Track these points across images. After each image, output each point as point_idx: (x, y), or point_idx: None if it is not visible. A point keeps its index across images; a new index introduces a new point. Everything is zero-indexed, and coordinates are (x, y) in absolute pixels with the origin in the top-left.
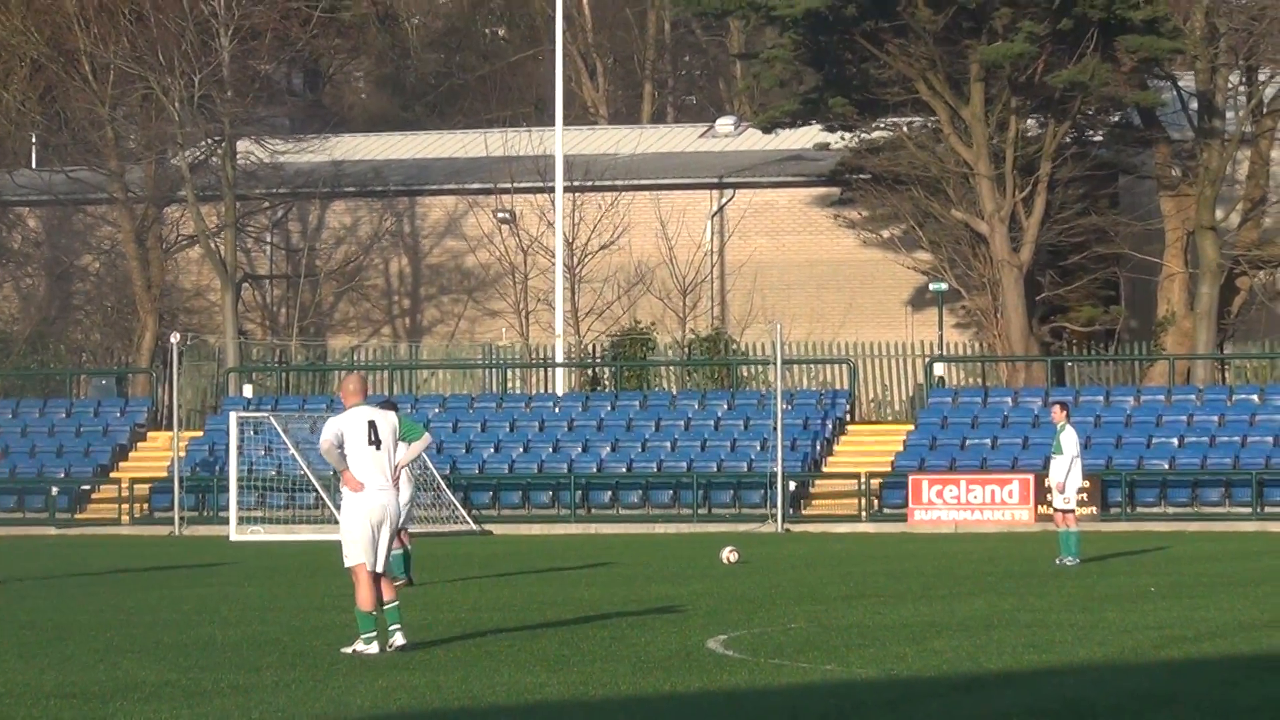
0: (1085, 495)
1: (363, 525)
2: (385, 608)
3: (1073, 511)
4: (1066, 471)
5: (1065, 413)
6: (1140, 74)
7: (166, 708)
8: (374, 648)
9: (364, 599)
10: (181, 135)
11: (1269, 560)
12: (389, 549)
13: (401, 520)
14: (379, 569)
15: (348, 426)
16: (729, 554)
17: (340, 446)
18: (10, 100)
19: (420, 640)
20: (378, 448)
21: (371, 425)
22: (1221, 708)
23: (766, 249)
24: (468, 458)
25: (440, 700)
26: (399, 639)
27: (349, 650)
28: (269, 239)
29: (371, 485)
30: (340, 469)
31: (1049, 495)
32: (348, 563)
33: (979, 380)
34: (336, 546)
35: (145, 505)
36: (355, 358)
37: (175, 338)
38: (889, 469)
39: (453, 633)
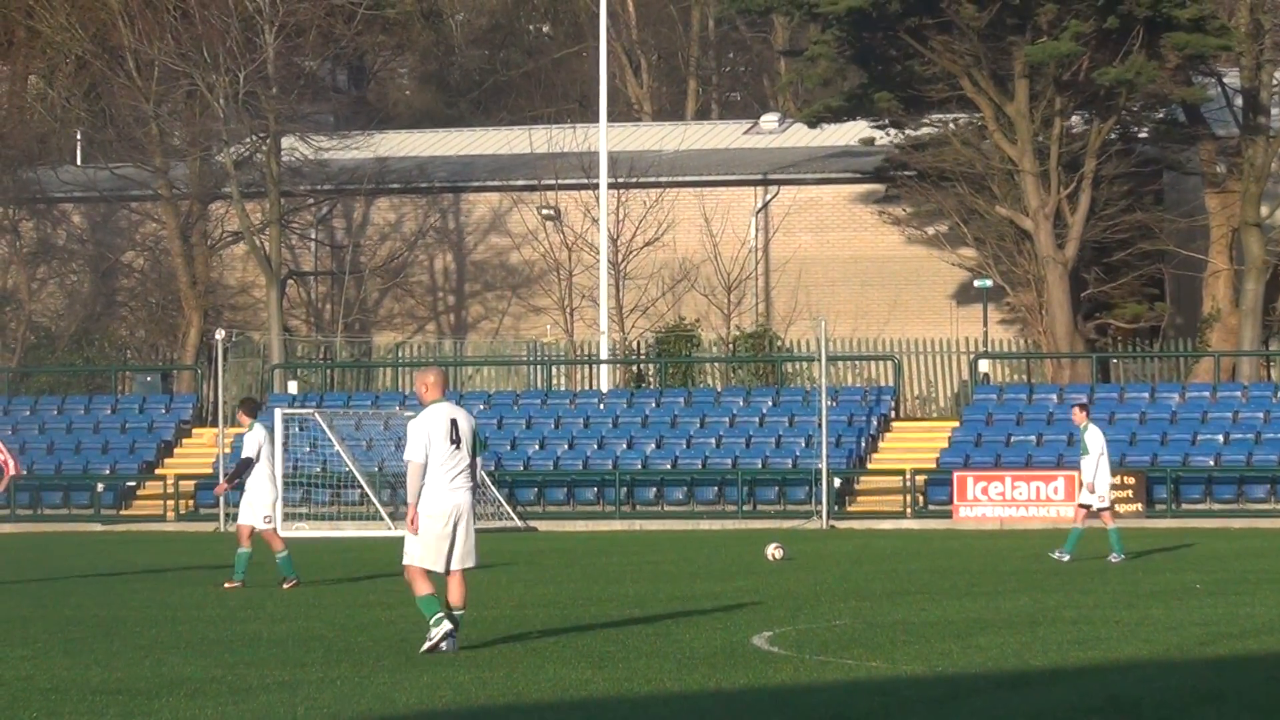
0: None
1: (430, 525)
2: (453, 612)
3: (1109, 508)
4: (1095, 470)
5: (1085, 413)
6: (1185, 70)
7: (211, 704)
8: (446, 625)
9: (421, 588)
10: (226, 132)
11: None
12: (472, 547)
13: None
14: (455, 566)
15: (431, 428)
16: (774, 551)
17: (426, 461)
18: (55, 97)
19: (468, 643)
20: (458, 446)
21: (453, 423)
22: (1268, 704)
23: (811, 245)
24: (512, 454)
25: (485, 697)
26: (423, 648)
27: (427, 645)
28: (314, 235)
29: (449, 484)
30: (412, 501)
31: (1080, 495)
32: (405, 560)
33: (1024, 377)
34: (383, 543)
35: (190, 501)
36: (400, 354)
37: (220, 334)
38: (934, 466)
39: (498, 629)
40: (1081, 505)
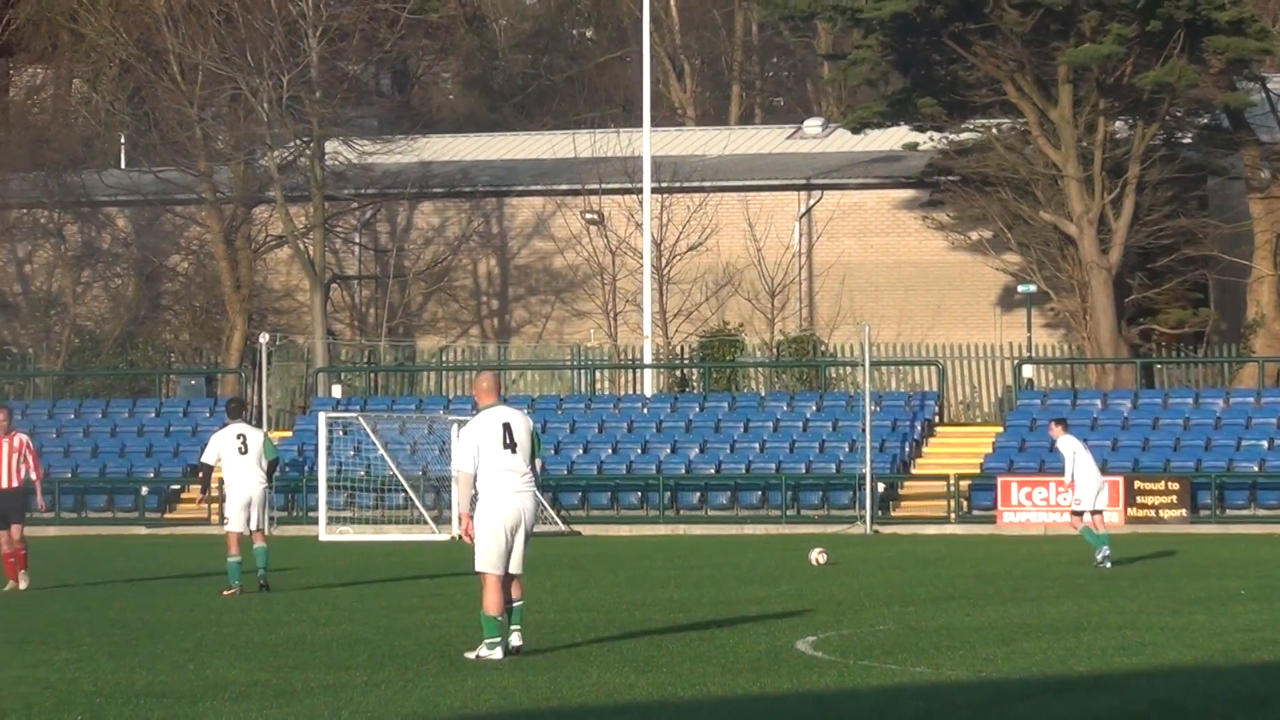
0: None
1: (496, 530)
2: (510, 605)
3: (1099, 513)
4: (1074, 476)
5: (1062, 427)
6: (1229, 75)
7: (256, 707)
8: (498, 653)
9: (491, 604)
10: (270, 136)
11: None
12: (523, 555)
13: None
14: (513, 570)
15: (483, 433)
16: (818, 555)
17: (476, 467)
18: (99, 101)
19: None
20: (513, 450)
21: (506, 427)
22: None
23: (855, 250)
24: (556, 459)
25: (529, 701)
26: (515, 639)
27: (472, 655)
28: (357, 239)
29: (506, 489)
30: (463, 510)
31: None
32: (478, 567)
33: (1068, 382)
34: (425, 547)
35: None
36: (444, 358)
37: (264, 338)
38: (978, 471)
39: (542, 633)
40: (1073, 513)
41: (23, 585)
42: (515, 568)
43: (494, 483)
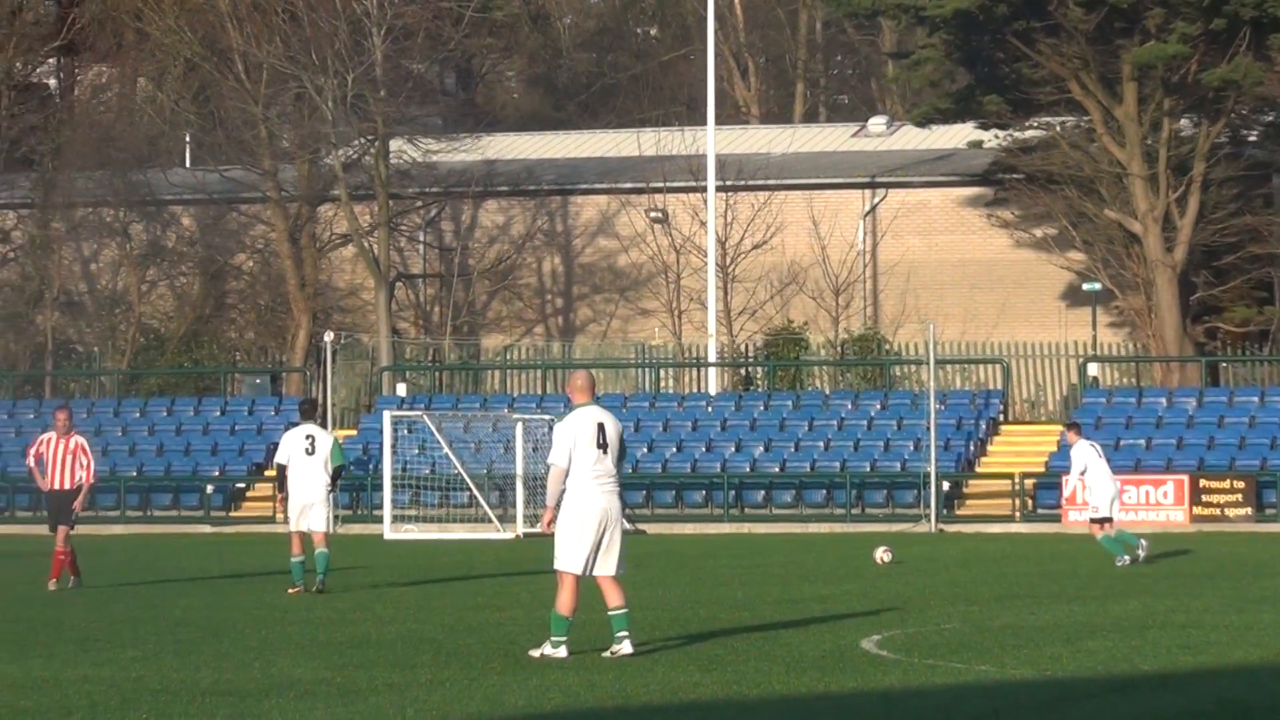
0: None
1: (579, 528)
2: (612, 613)
3: (1110, 520)
4: (1090, 483)
5: (1076, 432)
6: None
7: (321, 705)
8: (562, 652)
9: (564, 603)
10: (335, 134)
11: None
12: (618, 554)
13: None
14: (599, 572)
15: (578, 431)
16: (883, 554)
17: (569, 463)
18: (165, 99)
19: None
20: (605, 451)
21: (600, 427)
22: None
23: (919, 248)
24: None
25: (594, 699)
26: (626, 647)
27: (537, 653)
28: (422, 238)
29: (595, 488)
30: (550, 503)
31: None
32: (556, 565)
33: (1133, 380)
34: (490, 545)
35: None
36: (508, 357)
37: (329, 336)
38: (1043, 469)
39: (606, 633)
40: (1092, 520)
41: (51, 588)
42: (610, 569)
43: (582, 481)
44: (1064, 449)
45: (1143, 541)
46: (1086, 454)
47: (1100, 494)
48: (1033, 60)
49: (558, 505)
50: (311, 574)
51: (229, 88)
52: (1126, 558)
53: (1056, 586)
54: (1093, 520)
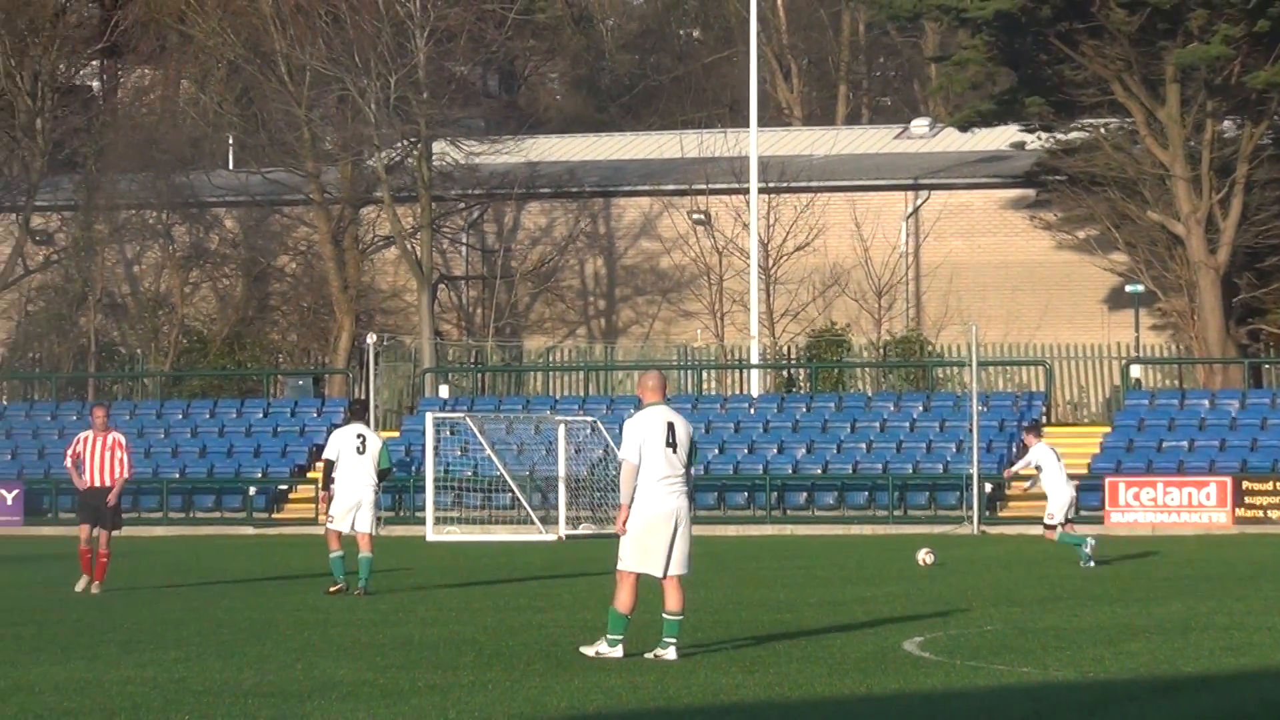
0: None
1: (647, 531)
2: (667, 617)
3: (1052, 528)
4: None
5: (1030, 434)
6: None
7: (363, 707)
8: (618, 651)
9: (623, 601)
10: (377, 137)
11: None
12: (687, 554)
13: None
14: (673, 572)
15: (647, 430)
16: (925, 556)
17: (640, 460)
18: (207, 101)
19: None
20: (674, 450)
21: (670, 427)
22: None
23: (962, 250)
24: None
25: (636, 701)
26: (670, 654)
27: (590, 651)
28: (464, 240)
29: (663, 489)
30: (624, 501)
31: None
32: (620, 565)
33: (1176, 382)
34: (532, 547)
35: None
36: (550, 358)
37: (371, 338)
38: (1085, 471)
39: (649, 634)
40: (1046, 526)
41: (94, 590)
42: (678, 568)
43: (651, 482)
44: (1107, 449)
45: (1090, 542)
46: (1045, 456)
47: (1057, 500)
48: (1075, 62)
49: (631, 503)
50: (353, 575)
51: (272, 90)
52: (1091, 557)
53: (1099, 588)
54: (1046, 526)
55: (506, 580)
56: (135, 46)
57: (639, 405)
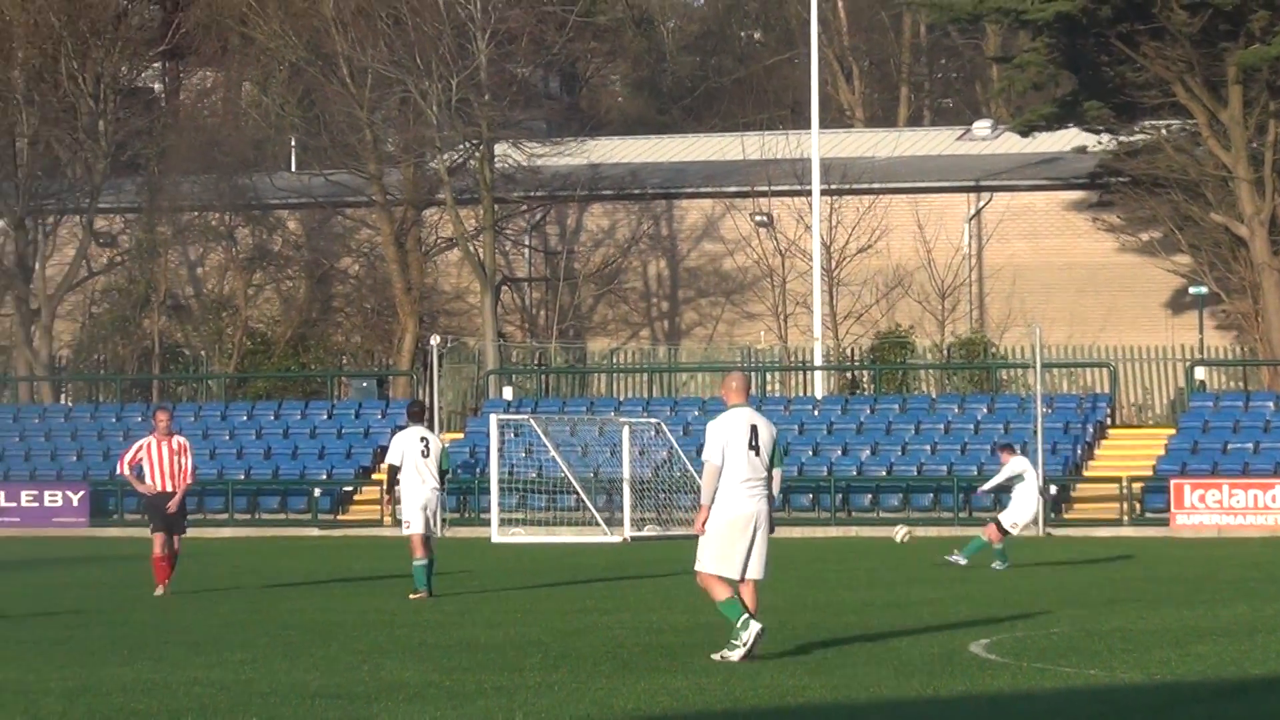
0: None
1: (727, 534)
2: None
3: (1006, 532)
4: (1023, 495)
5: (1006, 452)
6: None
7: (430, 708)
8: (755, 626)
9: (720, 592)
10: (439, 139)
11: None
12: (764, 558)
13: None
14: (750, 576)
15: (730, 432)
16: (903, 535)
17: (722, 461)
18: (270, 104)
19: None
20: (756, 453)
21: (753, 429)
22: None
23: (1025, 252)
24: None
25: (702, 703)
26: (735, 655)
27: (736, 654)
28: (527, 241)
29: (744, 491)
30: (704, 503)
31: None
32: (698, 566)
33: (1240, 384)
34: (597, 549)
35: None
36: (614, 360)
37: (435, 340)
38: (1150, 473)
39: (713, 636)
40: (1000, 529)
41: (158, 591)
42: (755, 572)
43: (732, 485)
44: (1172, 451)
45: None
46: (1025, 466)
47: (1024, 510)
48: (1136, 63)
49: (711, 504)
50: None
51: (333, 92)
52: (1001, 564)
53: (1165, 590)
54: (1000, 528)
55: (571, 582)
56: (197, 49)
57: (710, 407)
